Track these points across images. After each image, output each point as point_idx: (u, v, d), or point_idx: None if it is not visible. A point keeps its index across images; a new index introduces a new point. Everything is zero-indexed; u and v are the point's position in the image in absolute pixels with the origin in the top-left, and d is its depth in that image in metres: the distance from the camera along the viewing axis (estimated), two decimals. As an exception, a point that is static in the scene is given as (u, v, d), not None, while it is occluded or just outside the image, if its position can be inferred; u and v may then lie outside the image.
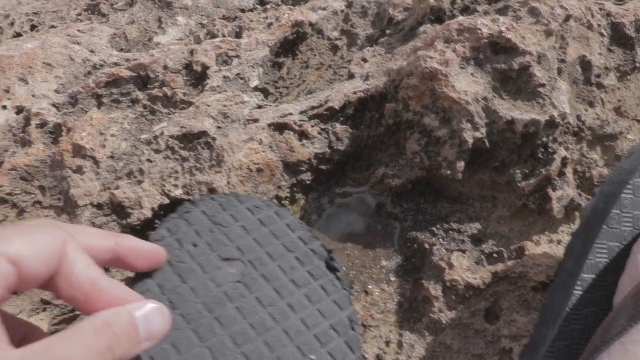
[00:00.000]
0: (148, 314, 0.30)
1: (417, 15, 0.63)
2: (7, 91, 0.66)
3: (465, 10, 0.61)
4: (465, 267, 0.51)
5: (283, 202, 0.61)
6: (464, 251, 0.54)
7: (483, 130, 0.54)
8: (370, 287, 0.57)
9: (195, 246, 0.40)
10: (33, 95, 0.66)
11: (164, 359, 0.34)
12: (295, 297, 0.40)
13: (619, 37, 0.64)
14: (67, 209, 0.55)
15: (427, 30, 0.60)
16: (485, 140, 0.54)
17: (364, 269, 0.59)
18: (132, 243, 0.34)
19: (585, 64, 0.60)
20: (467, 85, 0.54)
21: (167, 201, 0.56)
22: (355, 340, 0.40)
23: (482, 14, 0.60)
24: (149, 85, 0.63)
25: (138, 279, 0.38)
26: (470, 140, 0.54)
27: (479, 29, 0.54)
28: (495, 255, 0.53)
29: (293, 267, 0.41)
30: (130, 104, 0.62)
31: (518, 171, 0.55)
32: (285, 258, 0.42)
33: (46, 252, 0.27)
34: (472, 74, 0.54)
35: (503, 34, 0.53)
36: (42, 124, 0.58)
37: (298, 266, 0.41)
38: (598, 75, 0.61)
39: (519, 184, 0.54)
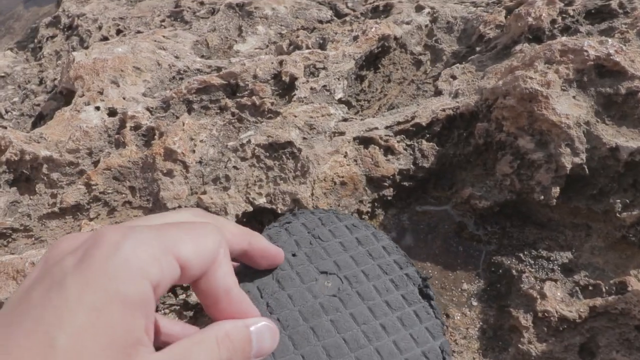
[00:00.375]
0: (261, 331, 0.31)
1: (513, 34, 0.62)
2: (101, 93, 0.69)
3: (566, 30, 0.58)
4: (559, 299, 0.49)
5: (363, 216, 0.61)
6: (555, 281, 0.51)
7: (583, 155, 0.51)
8: (451, 310, 0.55)
9: (295, 256, 0.41)
10: (124, 98, 0.68)
11: None
12: (389, 319, 0.40)
13: None
14: (156, 210, 0.56)
15: (524, 49, 0.58)
16: (585, 166, 0.52)
17: (444, 290, 0.57)
18: (261, 245, 0.36)
19: (694, 91, 0.56)
20: (569, 108, 0.51)
21: (251, 209, 0.56)
22: None
23: (585, 35, 0.57)
24: (238, 94, 0.64)
25: (239, 280, 0.39)
26: (569, 166, 0.51)
27: (586, 51, 0.51)
28: (591, 288, 0.50)
29: (388, 289, 0.41)
30: (219, 111, 0.63)
31: (618, 201, 0.52)
32: (380, 279, 0.42)
33: (207, 257, 0.28)
34: (574, 97, 0.52)
35: (611, 57, 0.51)
36: (137, 127, 0.60)
37: (393, 289, 0.42)
38: None
39: (618, 215, 0.52)
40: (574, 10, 0.58)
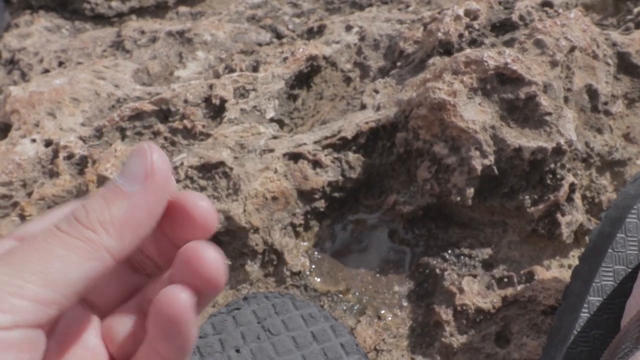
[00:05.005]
0: (128, 165, 0.25)
1: (427, 49, 0.66)
2: (37, 125, 0.70)
3: (473, 43, 0.63)
4: (475, 292, 0.52)
5: (297, 229, 0.63)
6: (475, 276, 0.55)
7: (491, 157, 0.55)
8: (383, 312, 0.58)
9: (238, 352, 0.37)
10: (61, 129, 0.70)
11: None
12: None
13: (625, 65, 0.65)
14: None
15: (436, 62, 0.63)
16: (494, 167, 0.56)
17: (377, 294, 0.60)
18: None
19: (592, 93, 0.61)
20: (475, 114, 0.55)
21: (186, 228, 0.58)
22: None
23: (489, 47, 0.62)
24: (170, 119, 0.66)
25: None
26: (479, 168, 0.55)
27: (486, 61, 0.56)
28: (505, 279, 0.53)
29: None
30: (152, 136, 0.65)
31: (527, 197, 0.56)
32: None
33: (62, 284, 0.23)
34: (479, 104, 0.56)
35: (509, 66, 0.55)
36: (69, 156, 0.62)
37: None
38: (605, 103, 0.62)
39: (528, 210, 0.56)
40: (479, 24, 0.63)
